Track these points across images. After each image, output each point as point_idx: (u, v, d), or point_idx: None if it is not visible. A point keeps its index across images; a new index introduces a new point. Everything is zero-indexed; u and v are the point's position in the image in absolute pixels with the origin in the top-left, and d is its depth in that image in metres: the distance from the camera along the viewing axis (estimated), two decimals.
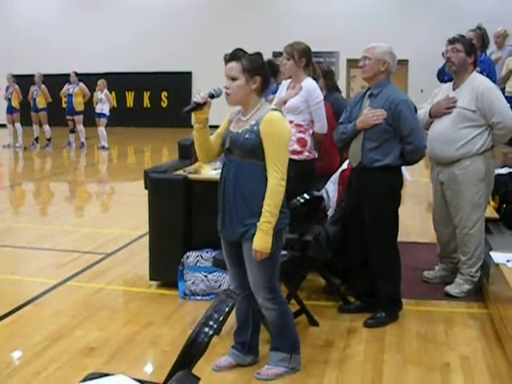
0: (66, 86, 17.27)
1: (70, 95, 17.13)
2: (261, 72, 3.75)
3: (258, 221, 3.67)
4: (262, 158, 3.70)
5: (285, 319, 4.01)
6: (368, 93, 4.86)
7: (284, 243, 3.97)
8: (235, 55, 3.74)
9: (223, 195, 3.84)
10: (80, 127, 17.06)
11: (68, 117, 17.19)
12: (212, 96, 3.81)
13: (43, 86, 17.29)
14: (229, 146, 3.82)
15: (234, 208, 3.78)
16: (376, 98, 4.76)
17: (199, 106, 3.78)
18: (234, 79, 3.72)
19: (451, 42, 5.36)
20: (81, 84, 17.19)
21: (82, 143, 17.13)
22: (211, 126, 3.84)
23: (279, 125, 3.72)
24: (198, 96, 3.78)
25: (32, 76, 17.51)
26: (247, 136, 3.72)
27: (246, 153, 3.73)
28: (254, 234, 3.70)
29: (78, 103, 17.06)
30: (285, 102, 5.49)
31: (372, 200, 4.76)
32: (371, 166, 4.73)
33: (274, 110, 3.82)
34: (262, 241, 3.67)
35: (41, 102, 17.27)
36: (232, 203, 3.78)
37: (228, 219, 3.83)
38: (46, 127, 17.24)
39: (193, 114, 3.83)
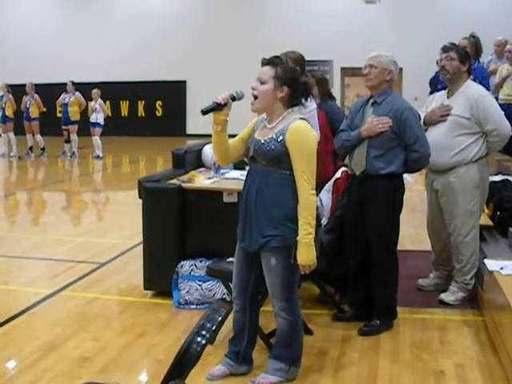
0: (63, 96, 17.17)
1: (66, 104, 17.05)
2: (290, 83, 3.73)
3: (278, 234, 3.67)
4: (287, 167, 3.67)
5: (295, 332, 3.99)
6: (371, 101, 4.86)
7: None
8: (272, 61, 3.76)
9: (245, 204, 3.80)
10: (73, 137, 16.96)
11: (63, 126, 17.12)
12: (233, 98, 3.76)
13: (36, 96, 17.17)
14: (253, 154, 3.79)
15: (255, 218, 3.75)
16: (380, 106, 4.77)
17: (219, 107, 3.71)
18: (262, 83, 3.71)
19: (445, 50, 5.37)
20: (77, 93, 17.11)
21: (73, 153, 17.00)
22: (230, 135, 3.81)
23: (305, 134, 3.70)
24: (218, 96, 3.72)
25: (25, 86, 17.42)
26: (272, 145, 3.68)
27: (270, 161, 3.70)
28: (274, 247, 3.70)
29: (74, 112, 16.99)
30: None
31: (376, 207, 4.76)
32: (375, 174, 4.74)
33: (301, 118, 3.77)
34: (306, 254, 3.65)
35: (34, 112, 17.10)
36: (253, 213, 3.75)
37: (248, 229, 3.80)
38: (38, 137, 17.07)
39: (212, 115, 3.74)
